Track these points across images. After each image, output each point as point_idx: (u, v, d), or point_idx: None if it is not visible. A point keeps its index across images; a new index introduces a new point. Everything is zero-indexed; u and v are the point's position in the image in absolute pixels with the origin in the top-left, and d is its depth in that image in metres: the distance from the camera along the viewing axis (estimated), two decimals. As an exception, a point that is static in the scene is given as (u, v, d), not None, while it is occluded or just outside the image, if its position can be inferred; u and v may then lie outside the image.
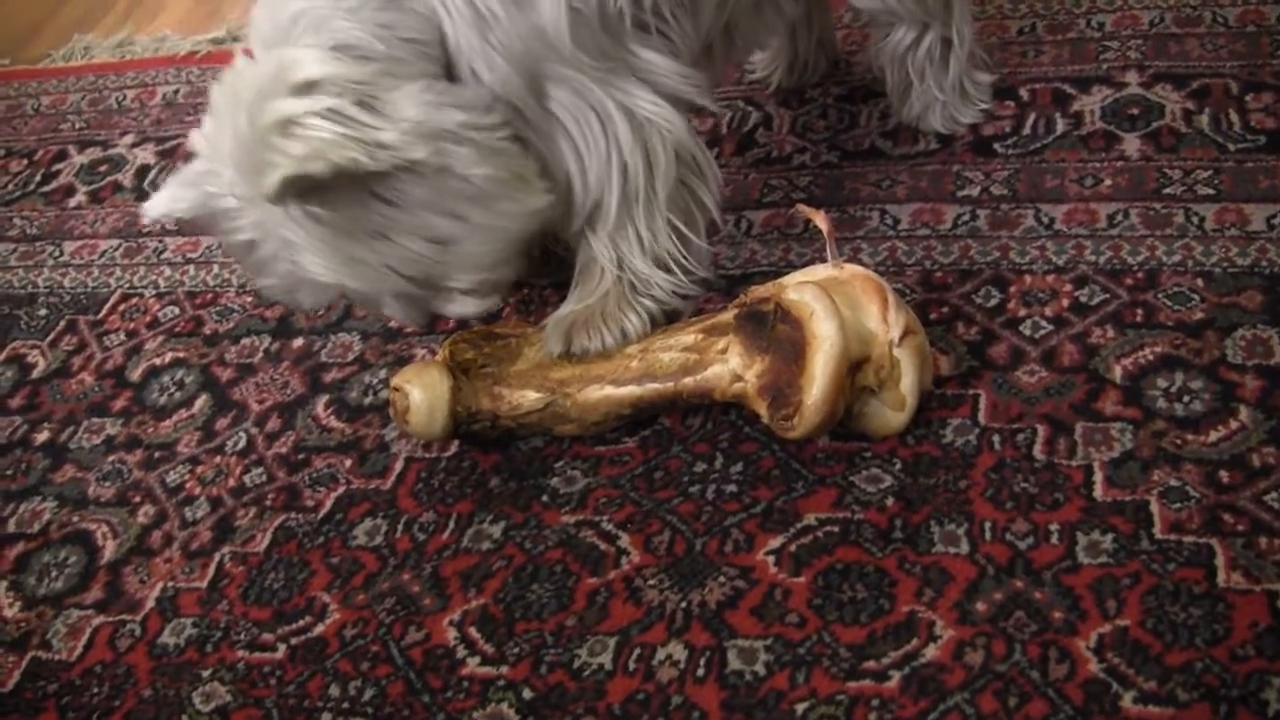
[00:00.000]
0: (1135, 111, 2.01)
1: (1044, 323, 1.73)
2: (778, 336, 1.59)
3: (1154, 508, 1.49)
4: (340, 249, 1.55)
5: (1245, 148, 1.90)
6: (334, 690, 1.57)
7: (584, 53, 1.62)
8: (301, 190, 1.46)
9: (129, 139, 2.72)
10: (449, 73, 1.58)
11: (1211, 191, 1.85)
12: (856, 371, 1.59)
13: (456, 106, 1.53)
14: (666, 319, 1.76)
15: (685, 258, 1.76)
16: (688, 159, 1.72)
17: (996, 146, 2.02)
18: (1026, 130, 2.03)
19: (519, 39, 1.57)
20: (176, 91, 2.82)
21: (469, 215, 1.58)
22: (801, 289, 1.60)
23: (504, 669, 1.54)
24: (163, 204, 1.64)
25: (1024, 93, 2.10)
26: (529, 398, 1.73)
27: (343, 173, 1.44)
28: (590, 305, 1.74)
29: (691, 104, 1.73)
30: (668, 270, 1.75)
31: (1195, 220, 1.81)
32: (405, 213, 1.54)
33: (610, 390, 1.70)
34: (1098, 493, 1.53)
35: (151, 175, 2.57)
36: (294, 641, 1.64)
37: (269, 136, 1.45)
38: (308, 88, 1.47)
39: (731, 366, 1.63)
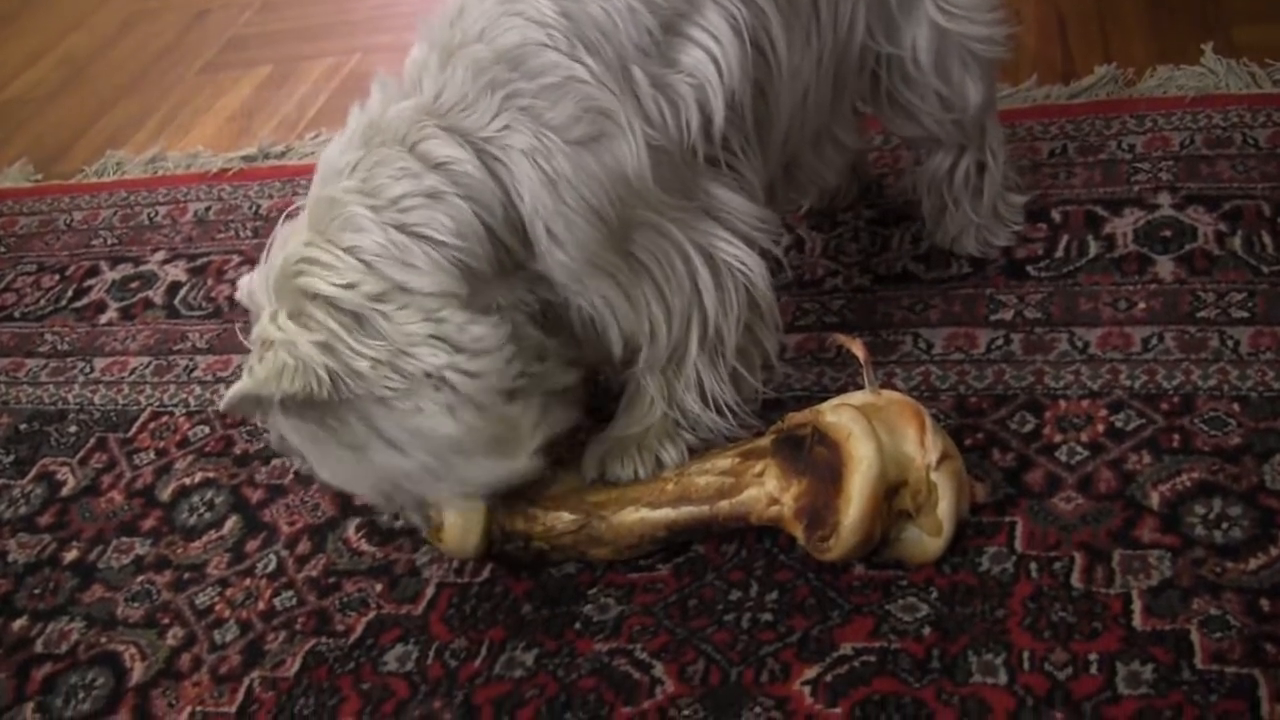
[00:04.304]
0: (1168, 234, 2.01)
1: (1080, 449, 1.73)
2: (815, 459, 1.59)
3: (1194, 637, 1.48)
4: (322, 451, 1.60)
5: (1278, 270, 1.90)
6: (364, 821, 1.56)
7: (666, 192, 1.63)
8: (254, 404, 1.53)
9: (160, 255, 2.73)
10: (522, 245, 1.59)
11: (1246, 314, 1.85)
12: (893, 495, 1.59)
13: (453, 344, 1.53)
14: (704, 447, 1.76)
15: (738, 402, 1.75)
16: (758, 305, 1.72)
17: (1029, 270, 2.02)
18: (1059, 253, 2.03)
19: (597, 190, 1.56)
20: (208, 208, 2.83)
21: (444, 459, 1.58)
22: (839, 411, 1.61)
23: (537, 800, 1.53)
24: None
25: (1056, 215, 2.11)
26: (563, 519, 1.72)
27: (295, 397, 1.50)
28: (631, 435, 1.73)
29: (764, 249, 1.72)
30: (719, 411, 1.74)
31: (1230, 344, 1.81)
32: (377, 438, 1.56)
33: (646, 513, 1.69)
34: (1137, 622, 1.51)
35: (182, 292, 2.58)
36: (324, 770, 1.63)
37: (258, 340, 1.54)
38: (313, 300, 1.51)
39: (768, 489, 1.62)
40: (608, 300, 1.63)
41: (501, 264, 1.58)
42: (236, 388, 1.51)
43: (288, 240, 1.56)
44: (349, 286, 1.50)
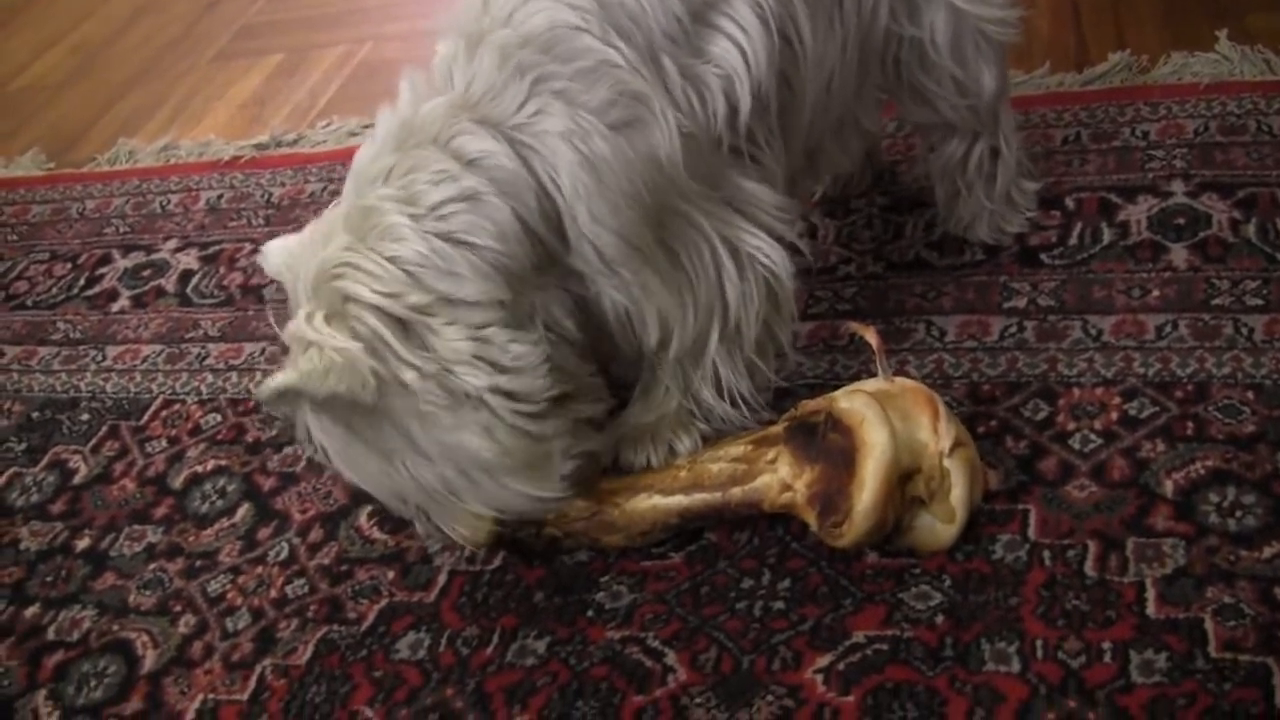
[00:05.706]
0: (1182, 221, 2.00)
1: (1093, 436, 1.72)
2: (828, 445, 1.58)
3: (1208, 625, 1.47)
4: (350, 452, 1.57)
5: (1293, 257, 1.90)
6: (376, 808, 1.56)
7: (696, 181, 1.62)
8: (294, 399, 1.50)
9: (172, 244, 2.73)
10: (558, 236, 1.57)
11: (1260, 302, 1.84)
12: (906, 482, 1.58)
13: (495, 365, 1.51)
14: (717, 436, 1.75)
15: (752, 394, 1.74)
16: (777, 297, 1.71)
17: (1043, 257, 2.01)
18: (1073, 240, 2.03)
19: (634, 175, 1.55)
20: (220, 197, 2.83)
21: (471, 476, 1.57)
22: (852, 397, 1.60)
23: (549, 788, 1.52)
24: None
25: (1070, 202, 2.10)
26: (576, 506, 1.71)
27: (338, 397, 1.47)
28: (645, 424, 1.73)
29: (784, 239, 1.71)
30: (733, 402, 1.74)
31: (1244, 331, 1.80)
32: (412, 448, 1.54)
33: (658, 500, 1.69)
34: (1150, 610, 1.51)
35: (194, 280, 2.58)
36: (336, 758, 1.63)
37: (295, 340, 1.50)
38: (356, 303, 1.49)
39: (781, 476, 1.62)
40: (645, 286, 1.61)
41: (539, 261, 1.57)
42: (279, 380, 1.46)
43: (328, 240, 1.53)
44: (393, 296, 1.48)
